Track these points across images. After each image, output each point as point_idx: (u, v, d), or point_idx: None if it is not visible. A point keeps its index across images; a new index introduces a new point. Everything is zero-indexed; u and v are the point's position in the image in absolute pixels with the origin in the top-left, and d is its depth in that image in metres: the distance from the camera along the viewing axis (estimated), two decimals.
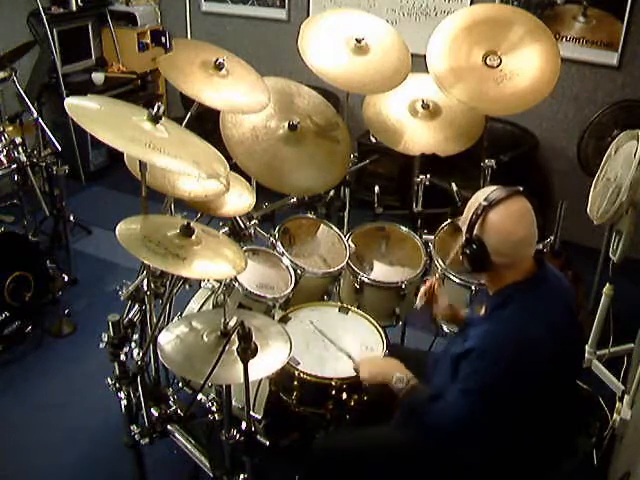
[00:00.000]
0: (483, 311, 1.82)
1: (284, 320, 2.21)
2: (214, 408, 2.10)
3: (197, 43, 2.34)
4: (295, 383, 2.03)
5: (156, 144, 1.70)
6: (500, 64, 2.46)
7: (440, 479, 1.83)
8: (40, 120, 3.42)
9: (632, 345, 2.82)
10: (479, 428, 1.66)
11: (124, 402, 2.04)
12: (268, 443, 2.09)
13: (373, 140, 2.72)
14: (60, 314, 3.24)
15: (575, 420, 2.09)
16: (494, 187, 1.74)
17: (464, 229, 1.73)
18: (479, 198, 1.71)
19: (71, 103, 1.71)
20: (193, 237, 1.77)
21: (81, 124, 1.61)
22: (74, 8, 4.61)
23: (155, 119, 1.79)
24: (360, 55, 2.56)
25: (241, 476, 1.92)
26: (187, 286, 2.21)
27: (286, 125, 2.38)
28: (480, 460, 1.71)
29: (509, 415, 1.65)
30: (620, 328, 2.92)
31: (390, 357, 2.03)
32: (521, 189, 1.72)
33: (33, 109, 3.39)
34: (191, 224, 1.78)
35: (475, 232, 1.69)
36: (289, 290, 2.30)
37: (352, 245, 2.53)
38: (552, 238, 2.65)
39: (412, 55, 2.59)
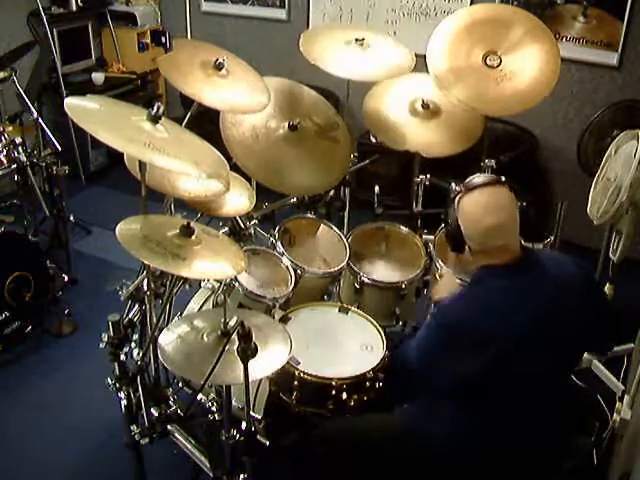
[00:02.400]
0: None
1: (284, 320, 2.21)
2: (214, 408, 2.10)
3: (197, 43, 2.34)
4: (295, 383, 2.03)
5: (156, 144, 1.70)
6: (500, 64, 2.46)
7: (439, 467, 1.83)
8: (40, 120, 3.42)
9: (632, 345, 2.82)
10: (437, 354, 1.76)
11: (124, 402, 2.04)
12: (268, 443, 2.09)
13: (373, 140, 2.72)
14: (60, 314, 3.24)
15: (572, 419, 2.08)
16: (478, 175, 1.81)
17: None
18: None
19: (71, 103, 1.71)
20: (193, 237, 1.77)
21: (81, 124, 1.62)
22: (74, 8, 4.61)
23: (155, 119, 1.79)
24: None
25: (241, 476, 1.92)
26: (187, 286, 2.21)
27: (286, 125, 2.37)
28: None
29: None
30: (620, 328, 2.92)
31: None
32: (503, 179, 1.77)
33: (33, 109, 3.40)
34: (191, 224, 1.78)
35: (450, 214, 1.79)
36: (289, 290, 2.30)
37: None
38: (552, 238, 2.65)
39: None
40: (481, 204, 1.73)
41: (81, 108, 1.76)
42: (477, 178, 1.78)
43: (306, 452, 2.05)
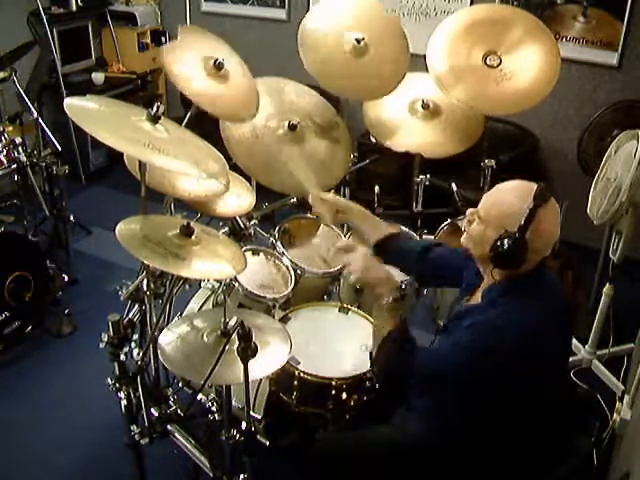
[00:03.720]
0: (479, 299, 1.79)
1: (284, 320, 2.21)
2: (214, 408, 2.10)
3: (204, 32, 2.29)
4: (295, 383, 2.03)
5: (155, 144, 1.70)
6: (500, 64, 2.46)
7: (439, 471, 1.83)
8: (40, 120, 3.43)
9: (632, 345, 2.82)
10: (461, 377, 1.64)
11: (124, 402, 2.04)
12: (268, 443, 2.09)
13: (373, 140, 2.72)
14: (60, 314, 3.24)
15: (572, 419, 2.08)
16: (524, 183, 1.68)
17: (501, 224, 1.64)
18: (516, 193, 1.65)
19: (70, 103, 1.71)
20: (193, 237, 1.77)
21: (81, 124, 1.61)
22: (74, 8, 4.61)
23: (154, 119, 1.79)
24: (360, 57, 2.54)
25: (241, 476, 1.92)
26: (187, 286, 2.21)
27: (286, 125, 2.37)
28: (469, 438, 1.70)
29: (493, 385, 1.63)
30: (620, 328, 2.92)
31: (381, 267, 1.92)
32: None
33: (33, 109, 3.40)
34: (191, 224, 1.78)
35: (528, 232, 1.61)
36: (289, 290, 2.30)
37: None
38: None
39: (412, 55, 2.59)
40: (556, 212, 1.66)
41: (81, 108, 1.76)
42: (540, 190, 1.62)
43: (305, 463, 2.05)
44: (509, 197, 1.68)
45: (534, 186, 1.65)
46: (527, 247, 1.62)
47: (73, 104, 1.73)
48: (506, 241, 1.63)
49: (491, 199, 1.72)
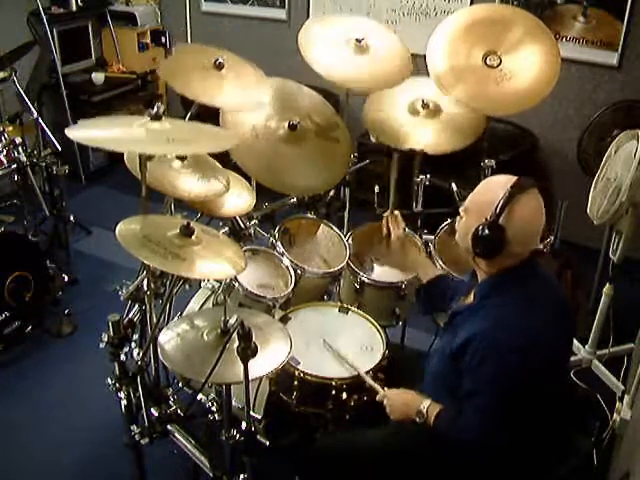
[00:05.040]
0: (472, 298, 1.80)
1: (284, 320, 2.21)
2: (214, 408, 2.10)
3: (198, 47, 2.30)
4: (295, 383, 2.03)
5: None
6: (500, 64, 2.46)
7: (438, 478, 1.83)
8: (40, 120, 3.43)
9: (632, 345, 2.82)
10: (506, 420, 1.65)
11: (124, 402, 2.04)
12: (268, 443, 2.09)
13: (373, 140, 2.72)
14: (60, 314, 3.24)
15: (572, 419, 2.08)
16: (509, 176, 1.70)
17: (482, 213, 1.66)
18: (498, 184, 1.68)
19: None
20: (193, 237, 1.77)
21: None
22: (74, 8, 4.62)
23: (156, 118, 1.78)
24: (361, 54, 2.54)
25: (241, 476, 1.92)
26: (187, 286, 2.21)
27: (286, 125, 2.37)
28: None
29: (524, 399, 1.64)
30: (620, 328, 2.92)
31: (405, 390, 1.92)
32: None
33: (33, 109, 3.40)
34: (191, 224, 1.78)
35: (502, 218, 1.63)
36: (289, 290, 2.30)
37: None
38: (552, 238, 2.65)
39: (412, 55, 2.59)
40: (539, 204, 1.69)
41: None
42: (522, 180, 1.67)
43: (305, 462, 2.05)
44: (490, 187, 1.72)
45: (516, 178, 1.68)
46: (504, 233, 1.64)
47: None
48: (482, 227, 1.66)
49: (475, 191, 1.76)
